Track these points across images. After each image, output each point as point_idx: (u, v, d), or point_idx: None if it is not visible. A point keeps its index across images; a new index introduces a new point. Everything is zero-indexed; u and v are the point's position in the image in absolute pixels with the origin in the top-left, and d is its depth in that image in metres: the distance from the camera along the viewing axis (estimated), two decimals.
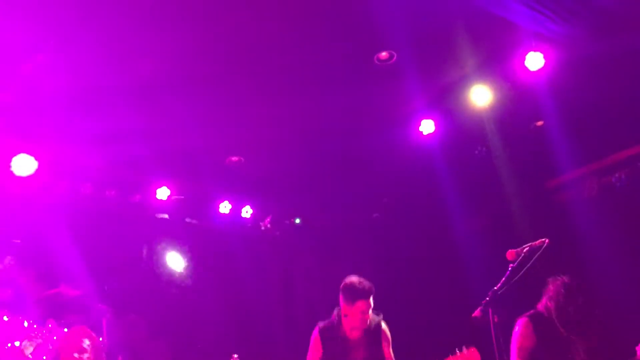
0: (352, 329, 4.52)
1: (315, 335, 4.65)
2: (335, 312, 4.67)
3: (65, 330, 5.24)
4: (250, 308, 7.66)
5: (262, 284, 8.03)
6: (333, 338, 4.54)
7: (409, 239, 8.21)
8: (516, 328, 4.39)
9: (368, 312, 4.53)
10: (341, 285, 4.59)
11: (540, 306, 4.44)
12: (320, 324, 4.67)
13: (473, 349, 3.92)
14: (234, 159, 6.92)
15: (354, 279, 4.57)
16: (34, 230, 6.13)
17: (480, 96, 5.88)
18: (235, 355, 5.14)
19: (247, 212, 7.73)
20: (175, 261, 7.24)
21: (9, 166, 5.83)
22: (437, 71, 5.67)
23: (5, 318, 5.41)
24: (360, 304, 4.47)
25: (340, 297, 4.57)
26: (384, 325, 4.69)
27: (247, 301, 7.63)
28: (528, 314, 4.43)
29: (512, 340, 4.36)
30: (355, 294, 4.48)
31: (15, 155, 5.84)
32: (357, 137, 6.56)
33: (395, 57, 5.37)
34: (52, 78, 5.09)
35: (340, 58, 5.34)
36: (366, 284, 4.55)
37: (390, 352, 4.68)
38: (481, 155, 6.74)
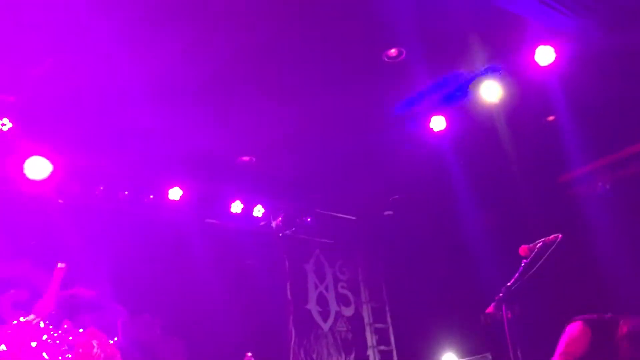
0: None
1: None
2: None
3: (81, 330, 5.29)
4: (263, 306, 7.68)
5: (274, 282, 8.05)
6: None
7: (421, 235, 8.20)
8: (569, 330, 4.04)
9: None
10: None
11: (611, 318, 4.06)
12: None
13: None
14: (245, 158, 6.95)
15: None
16: (49, 231, 6.18)
17: (491, 92, 5.85)
18: (249, 354, 5.17)
19: (258, 211, 7.75)
20: None
21: (24, 169, 5.89)
22: (446, 67, 5.66)
23: (21, 319, 5.46)
24: None
25: None
26: None
27: (259, 299, 7.65)
28: (587, 317, 4.06)
29: (560, 341, 4.06)
30: None
31: (29, 158, 5.89)
32: (368, 134, 6.56)
33: (404, 54, 5.37)
34: (65, 80, 5.13)
35: (349, 56, 5.34)
36: None
37: None
38: (492, 151, 6.72)
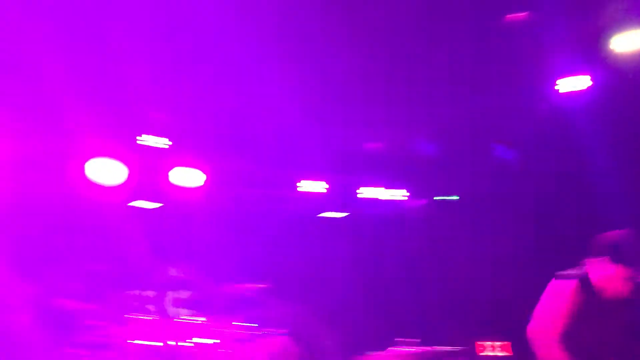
0: None
1: None
2: None
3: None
4: (411, 292, 7.67)
5: (420, 267, 8.00)
6: None
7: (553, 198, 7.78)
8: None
9: None
10: None
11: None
12: None
13: None
14: (383, 145, 7.00)
15: None
16: (206, 236, 6.56)
17: (630, 42, 5.49)
18: (408, 340, 5.18)
19: (399, 195, 7.74)
20: None
21: (173, 178, 6.32)
22: (579, 22, 5.38)
23: (184, 317, 5.82)
24: None
25: None
26: None
27: (406, 284, 7.67)
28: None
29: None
30: None
31: (176, 167, 6.33)
32: (501, 99, 6.36)
33: (531, 13, 5.19)
34: (212, 94, 5.46)
35: (475, 17, 5.24)
36: None
37: None
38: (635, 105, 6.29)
